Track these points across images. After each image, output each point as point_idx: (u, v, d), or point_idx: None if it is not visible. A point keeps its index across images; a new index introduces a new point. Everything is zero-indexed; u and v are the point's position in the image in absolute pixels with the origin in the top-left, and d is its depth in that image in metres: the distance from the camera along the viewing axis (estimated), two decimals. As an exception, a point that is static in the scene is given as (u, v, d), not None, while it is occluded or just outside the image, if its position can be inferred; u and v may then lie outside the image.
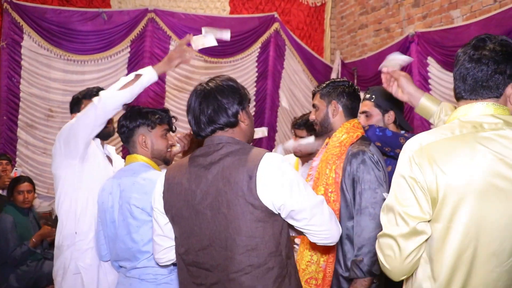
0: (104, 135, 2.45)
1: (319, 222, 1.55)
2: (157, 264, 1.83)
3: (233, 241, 1.47)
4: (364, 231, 1.89)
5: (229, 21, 6.08)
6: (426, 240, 1.30)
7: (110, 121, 2.40)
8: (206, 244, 1.53)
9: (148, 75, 2.19)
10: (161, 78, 5.88)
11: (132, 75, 2.17)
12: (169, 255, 1.72)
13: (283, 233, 1.55)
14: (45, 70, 5.41)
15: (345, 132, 2.09)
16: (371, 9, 6.09)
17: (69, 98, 5.32)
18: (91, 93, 2.44)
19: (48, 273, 3.90)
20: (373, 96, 2.49)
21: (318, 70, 6.49)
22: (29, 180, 4.23)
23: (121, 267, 2.07)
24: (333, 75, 6.45)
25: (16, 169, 4.79)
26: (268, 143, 6.56)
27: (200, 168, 1.56)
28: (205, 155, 1.58)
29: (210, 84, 1.64)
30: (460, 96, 1.41)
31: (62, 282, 2.29)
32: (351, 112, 2.17)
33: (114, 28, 5.62)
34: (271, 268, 1.48)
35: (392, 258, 1.31)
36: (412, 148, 1.33)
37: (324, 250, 1.95)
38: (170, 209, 1.62)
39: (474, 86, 1.36)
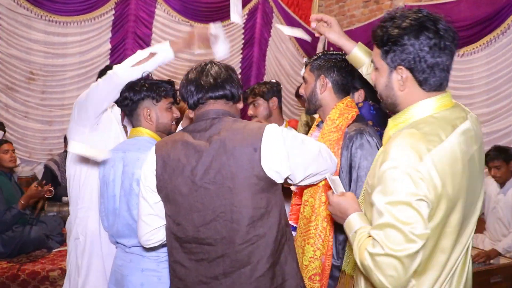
0: None
1: (322, 168, 1.65)
2: (142, 247, 1.79)
3: (239, 213, 1.50)
4: None
5: (216, -14, 5.93)
6: None
7: None
8: (210, 218, 1.53)
9: (164, 53, 2.07)
10: (146, 43, 5.87)
11: (147, 52, 2.06)
12: (158, 235, 1.71)
13: (282, 201, 1.61)
14: (25, 31, 5.19)
15: (339, 114, 1.91)
16: (361, -21, 6.03)
17: (51, 61, 5.32)
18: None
19: (34, 239, 3.91)
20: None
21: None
22: (8, 141, 4.21)
23: (118, 243, 2.05)
24: (320, 45, 6.41)
25: (-5, 133, 4.69)
26: (253, 111, 6.57)
27: (200, 143, 1.56)
28: (203, 130, 1.58)
29: (217, 63, 1.70)
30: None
31: (68, 242, 2.38)
32: (343, 88, 1.97)
33: (97, -12, 5.42)
34: (275, 236, 1.53)
35: (395, 278, 1.17)
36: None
37: (324, 243, 1.87)
38: (164, 187, 1.60)
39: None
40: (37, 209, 4.26)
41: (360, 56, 1.86)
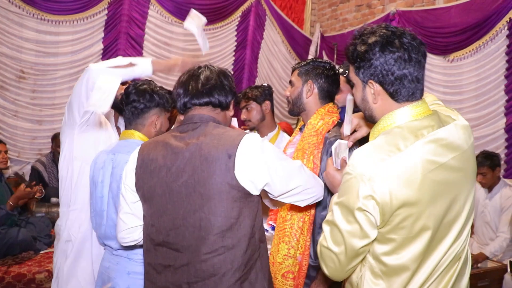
0: (120, 109, 2.39)
1: (303, 186, 1.58)
2: (120, 244, 1.79)
3: (207, 221, 1.44)
4: None
5: (211, -12, 5.95)
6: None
7: None
8: (179, 223, 1.49)
9: (143, 66, 2.10)
10: (139, 43, 5.77)
11: (127, 60, 2.07)
12: (134, 235, 1.69)
13: (258, 215, 1.54)
14: (16, 29, 5.15)
15: (320, 119, 2.00)
16: (354, -17, 6.08)
17: (42, 60, 5.29)
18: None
19: (21, 241, 3.86)
20: (346, 72, 2.37)
21: (297, 42, 6.48)
22: (2, 141, 4.16)
23: (106, 245, 2.05)
24: (312, 48, 6.45)
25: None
26: (245, 114, 6.58)
27: (178, 145, 1.53)
28: (183, 132, 1.57)
29: (211, 67, 1.66)
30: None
31: (57, 245, 2.32)
32: (327, 95, 2.06)
33: (90, -12, 5.40)
34: (244, 250, 1.46)
35: (334, 269, 1.34)
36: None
37: (300, 242, 1.93)
38: (141, 187, 1.58)
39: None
40: (30, 211, 4.23)
41: None
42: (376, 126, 1.39)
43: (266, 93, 2.86)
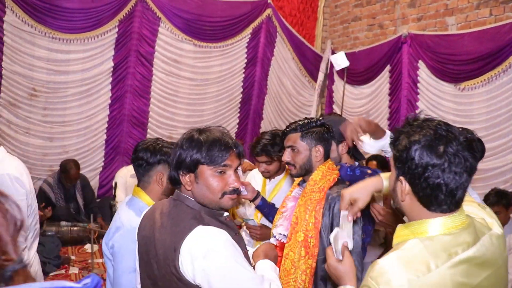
0: None
1: None
2: None
3: None
4: None
5: (221, 5, 5.92)
6: None
7: None
8: None
9: None
10: (149, 61, 5.81)
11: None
12: None
13: None
14: (28, 48, 5.22)
15: (321, 176, 2.05)
16: (366, 2, 6.00)
17: (54, 78, 5.36)
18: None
19: (31, 265, 3.95)
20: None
21: (308, 58, 6.43)
22: None
23: None
24: (323, 65, 6.40)
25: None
26: (253, 130, 6.58)
27: (157, 220, 1.53)
28: (166, 207, 1.56)
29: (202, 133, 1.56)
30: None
31: None
32: (329, 154, 2.15)
33: (102, 6, 5.42)
34: None
35: None
36: None
37: None
38: (138, 247, 1.63)
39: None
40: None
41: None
42: (405, 229, 1.28)
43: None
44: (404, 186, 1.25)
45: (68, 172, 5.09)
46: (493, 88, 4.40)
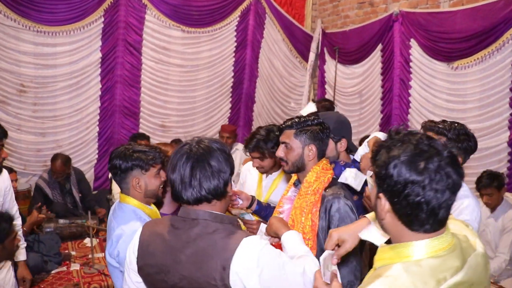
0: None
1: None
2: None
3: None
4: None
5: (208, -12, 5.79)
6: None
7: None
8: None
9: None
10: (137, 49, 5.71)
11: None
12: None
13: None
14: (13, 43, 5.11)
15: (315, 178, 2.03)
16: (356, -21, 5.88)
17: (41, 72, 5.28)
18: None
19: (33, 266, 3.95)
20: None
21: (298, 39, 6.34)
22: (13, 170, 4.24)
23: None
24: (314, 45, 6.32)
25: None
26: (246, 114, 6.55)
27: (176, 244, 1.50)
28: (181, 230, 1.51)
29: (201, 145, 1.53)
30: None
31: None
32: (323, 154, 2.12)
33: (86, -4, 5.28)
34: None
35: None
36: None
37: None
38: (143, 272, 1.59)
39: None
40: (39, 228, 4.35)
41: None
42: (390, 251, 1.22)
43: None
44: (384, 204, 1.18)
45: (54, 165, 5.02)
46: (486, 67, 4.36)
